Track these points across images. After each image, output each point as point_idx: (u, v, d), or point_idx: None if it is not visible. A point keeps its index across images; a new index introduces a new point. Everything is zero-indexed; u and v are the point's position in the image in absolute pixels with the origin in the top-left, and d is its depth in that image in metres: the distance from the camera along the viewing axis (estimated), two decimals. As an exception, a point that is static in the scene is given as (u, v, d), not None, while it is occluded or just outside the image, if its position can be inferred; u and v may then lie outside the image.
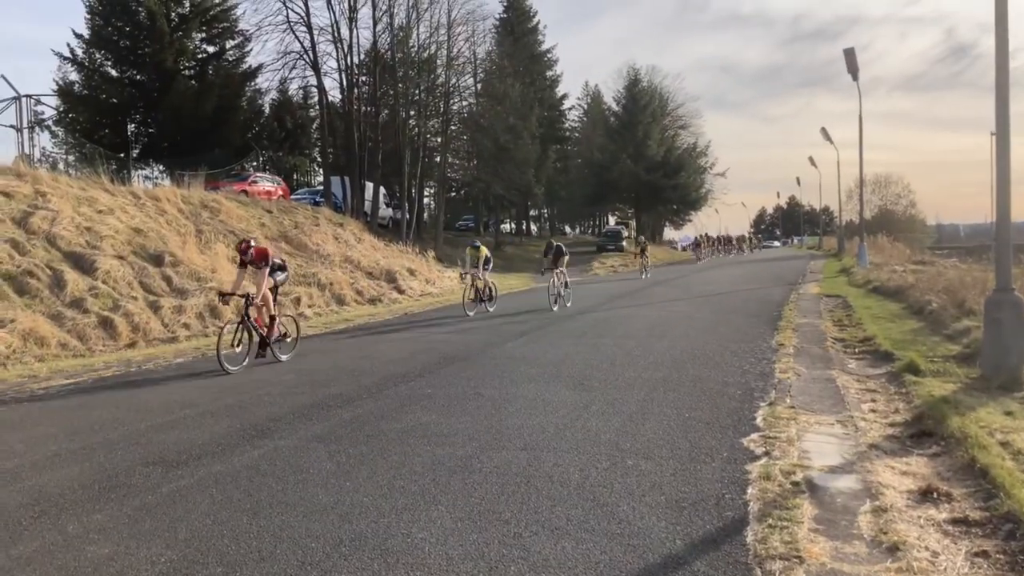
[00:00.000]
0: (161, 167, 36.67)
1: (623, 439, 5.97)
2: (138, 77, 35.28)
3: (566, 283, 17.52)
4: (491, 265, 17.53)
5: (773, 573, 3.58)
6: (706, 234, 54.65)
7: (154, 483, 5.11)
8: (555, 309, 16.48)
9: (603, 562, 3.72)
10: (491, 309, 16.80)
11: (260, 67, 37.25)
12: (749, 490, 4.72)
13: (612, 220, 68.64)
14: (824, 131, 40.91)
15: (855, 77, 27.01)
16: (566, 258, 18.01)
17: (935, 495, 4.63)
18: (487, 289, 16.90)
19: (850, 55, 26.62)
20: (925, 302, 13.45)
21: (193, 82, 36.01)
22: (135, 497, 4.82)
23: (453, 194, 52.79)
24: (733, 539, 3.99)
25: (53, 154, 37.85)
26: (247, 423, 6.80)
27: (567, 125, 62.11)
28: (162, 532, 4.22)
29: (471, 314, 15.88)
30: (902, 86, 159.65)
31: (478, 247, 17.24)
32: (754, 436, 5.97)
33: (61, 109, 35.98)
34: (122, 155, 33.96)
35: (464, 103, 42.62)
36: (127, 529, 4.28)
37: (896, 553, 3.81)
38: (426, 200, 49.68)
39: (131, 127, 36.56)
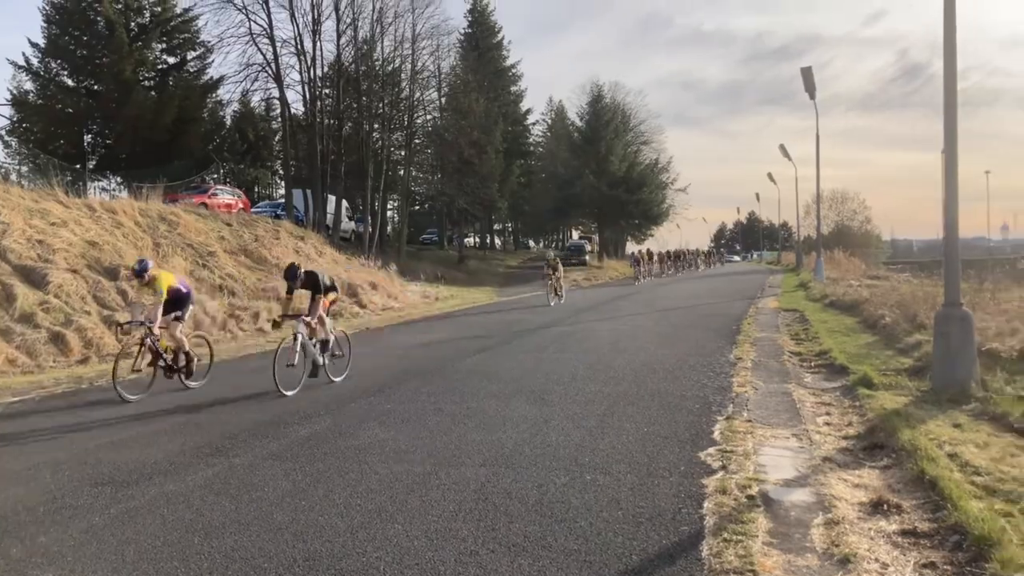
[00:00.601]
0: (118, 179, 36.03)
1: (582, 454, 5.98)
2: (95, 87, 34.69)
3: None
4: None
5: (727, 588, 3.61)
6: (647, 250, 48.40)
7: (102, 504, 4.98)
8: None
9: (559, 579, 3.72)
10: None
11: (222, 79, 36.92)
12: (705, 504, 4.75)
13: (575, 234, 69.01)
14: (783, 148, 41.68)
15: (812, 96, 27.60)
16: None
17: (886, 507, 4.71)
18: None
19: (807, 74, 27.20)
20: (879, 316, 13.72)
21: (153, 93, 35.51)
22: (82, 519, 4.70)
23: (417, 208, 52.67)
24: (689, 554, 4.02)
25: (5, 165, 37.03)
26: (202, 441, 6.68)
27: (531, 140, 62.49)
28: (109, 555, 4.11)
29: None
30: (858, 105, 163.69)
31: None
32: (711, 450, 6.02)
33: (15, 119, 35.22)
34: (78, 166, 33.30)
35: (428, 117, 42.65)
36: (72, 552, 4.16)
37: (847, 565, 3.86)
38: (389, 213, 49.51)
39: (88, 138, 35.92)
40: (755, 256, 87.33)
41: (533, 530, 4.37)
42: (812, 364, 10.41)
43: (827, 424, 7.02)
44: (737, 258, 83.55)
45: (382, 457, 5.99)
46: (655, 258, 45.61)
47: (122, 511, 4.83)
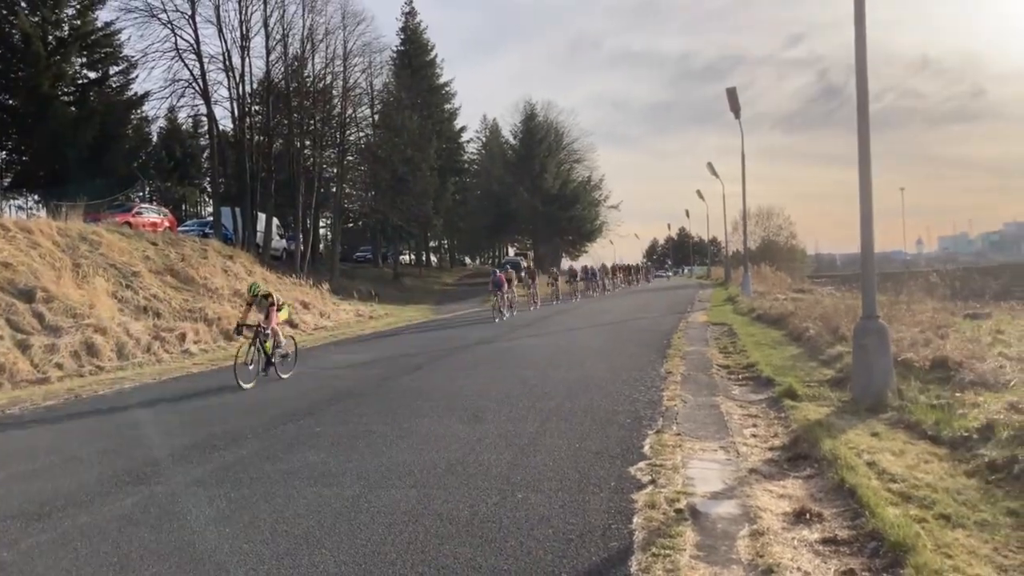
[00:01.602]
0: (36, 197, 34.67)
1: (514, 472, 5.97)
2: (11, 102, 33.30)
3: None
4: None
5: (654, 602, 3.64)
6: (584, 266, 42.88)
7: (11, 539, 4.74)
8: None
9: (488, 600, 3.69)
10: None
11: (147, 94, 35.81)
12: (635, 519, 4.79)
13: (511, 251, 69.33)
14: (710, 166, 42.76)
15: (737, 115, 28.43)
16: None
17: (808, 516, 4.83)
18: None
19: (732, 94, 28.02)
20: (803, 329, 14.15)
21: (72, 108, 34.27)
22: (-12, 555, 4.46)
23: (351, 225, 52.11)
24: (617, 569, 4.05)
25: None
26: (120, 469, 6.42)
27: (466, 157, 62.66)
28: (16, 593, 3.91)
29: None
30: (782, 123, 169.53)
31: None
32: (641, 464, 6.09)
33: (-78, 133, 33.55)
34: (-9, 185, 31.93)
35: (361, 134, 42.37)
36: (-24, 591, 3.94)
37: (771, 575, 3.94)
38: (322, 231, 48.86)
39: (2, 155, 34.46)
40: (686, 271, 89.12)
41: (463, 551, 4.33)
42: (740, 377, 10.65)
43: (754, 436, 7.18)
44: (669, 274, 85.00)
45: (311, 481, 5.86)
46: (578, 274, 39.84)
47: (32, 545, 4.61)
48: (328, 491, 5.57)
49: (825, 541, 4.46)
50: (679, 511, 4.94)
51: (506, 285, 21.74)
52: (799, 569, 4.05)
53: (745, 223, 36.55)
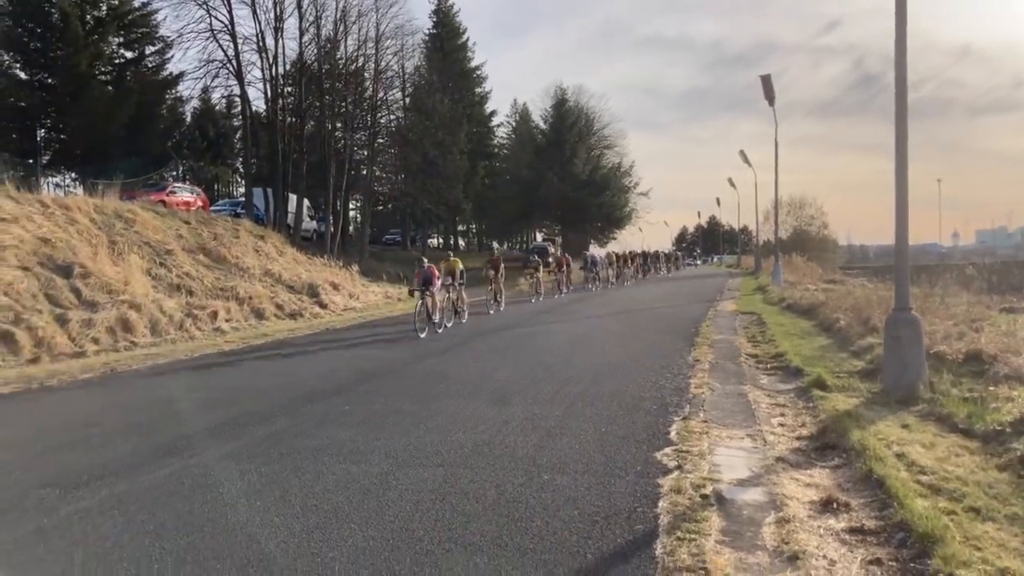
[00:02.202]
0: (73, 175, 35.26)
1: (540, 454, 6.01)
2: (49, 81, 33.85)
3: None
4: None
5: (679, 585, 3.66)
6: (608, 253, 38.59)
7: (50, 506, 4.88)
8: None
9: (514, 577, 3.74)
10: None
11: (182, 75, 36.19)
12: (660, 503, 4.81)
13: (539, 236, 69.23)
14: (742, 153, 42.34)
15: (771, 102, 28.06)
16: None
17: (835, 505, 4.82)
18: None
19: (767, 81, 27.65)
20: (834, 320, 14.00)
21: (109, 88, 34.77)
22: (29, 521, 4.60)
23: (380, 208, 52.30)
24: (642, 552, 4.07)
25: (-47, 159, 35.97)
26: (155, 441, 6.57)
27: (496, 141, 62.50)
28: (57, 557, 4.04)
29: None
30: (816, 111, 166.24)
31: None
32: (667, 450, 6.10)
33: (-37, 112, 34.23)
34: (30, 161, 32.49)
35: (392, 117, 42.43)
36: (19, 555, 4.08)
37: (796, 562, 3.95)
38: (352, 214, 49.14)
39: (41, 133, 35.05)
40: (715, 260, 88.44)
41: (490, 529, 4.38)
42: (768, 366, 10.58)
43: (781, 425, 7.15)
44: (698, 262, 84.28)
45: (339, 457, 5.95)
46: (613, 262, 36.20)
47: (71, 513, 4.74)
48: (356, 468, 5.65)
49: (852, 530, 4.44)
50: (705, 497, 4.94)
51: (437, 282, 15.68)
52: (825, 557, 4.05)
53: (777, 211, 36.03)
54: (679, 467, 5.62)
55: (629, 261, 40.04)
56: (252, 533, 4.35)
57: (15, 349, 11.92)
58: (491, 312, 20.22)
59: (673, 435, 6.58)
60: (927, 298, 13.82)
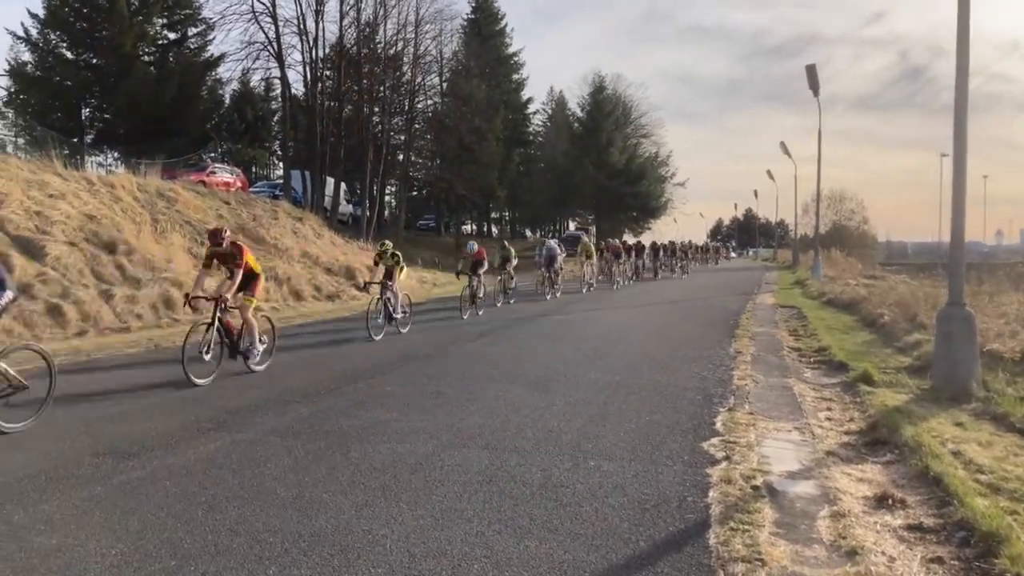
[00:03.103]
0: (116, 154, 35.82)
1: (585, 440, 5.97)
2: (95, 60, 34.41)
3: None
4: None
5: (736, 575, 3.59)
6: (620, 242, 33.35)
7: (104, 474, 4.95)
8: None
9: (567, 561, 3.70)
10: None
11: (223, 56, 36.49)
12: (711, 493, 4.74)
13: (572, 225, 68.94)
14: (783, 145, 41.73)
15: (816, 93, 27.56)
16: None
17: (890, 502, 4.71)
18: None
19: (811, 71, 27.15)
20: (878, 315, 13.75)
21: (152, 68, 35.25)
22: (84, 488, 4.66)
23: (415, 193, 52.46)
24: (695, 541, 4.01)
25: (2, 136, 36.77)
26: (201, 416, 6.63)
27: (531, 129, 62.19)
28: (112, 524, 4.08)
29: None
30: (857, 105, 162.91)
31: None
32: (714, 440, 6.01)
33: (12, 90, 34.92)
34: (75, 140, 33.05)
35: (429, 102, 42.48)
36: (75, 520, 4.13)
37: (855, 557, 3.86)
38: (387, 198, 49.32)
39: (85, 112, 35.65)
40: (750, 253, 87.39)
41: (539, 513, 4.35)
42: (811, 360, 10.42)
43: (828, 419, 7.02)
44: (733, 255, 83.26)
45: (384, 437, 5.96)
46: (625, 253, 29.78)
47: (124, 481, 4.80)
48: (402, 448, 5.66)
49: (910, 528, 4.34)
50: (755, 488, 4.86)
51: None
52: (884, 553, 3.95)
53: (818, 204, 35.43)
54: (727, 458, 5.53)
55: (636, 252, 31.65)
56: (302, 508, 4.36)
57: (62, 323, 12.14)
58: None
59: (719, 426, 6.49)
60: (975, 296, 13.47)
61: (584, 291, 23.44)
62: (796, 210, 54.22)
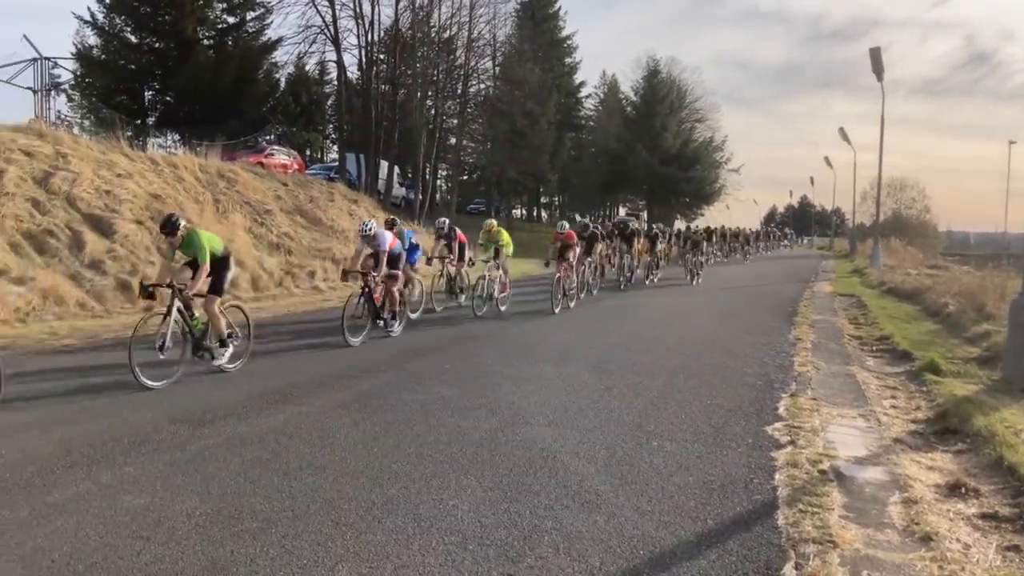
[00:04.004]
0: (176, 136, 36.66)
1: (646, 421, 5.97)
2: (157, 44, 35.13)
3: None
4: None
5: (807, 556, 3.58)
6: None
7: (182, 440, 5.13)
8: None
9: (636, 536, 3.73)
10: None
11: (280, 40, 36.93)
12: (777, 476, 4.72)
13: (622, 211, 68.38)
14: (842, 131, 40.74)
15: (880, 77, 26.79)
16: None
17: (963, 490, 4.62)
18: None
19: (876, 55, 26.40)
20: (942, 305, 13.40)
21: (212, 52, 35.87)
22: (164, 453, 4.85)
23: (466, 177, 52.62)
24: (764, 521, 4.00)
25: (68, 118, 37.87)
26: (267, 388, 6.81)
27: (583, 113, 61.73)
28: (195, 487, 4.24)
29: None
30: (920, 90, 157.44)
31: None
32: (777, 425, 5.97)
33: (78, 73, 35.92)
34: (139, 122, 33.92)
35: (482, 86, 42.44)
36: (160, 482, 4.30)
37: (929, 543, 3.81)
38: (438, 181, 49.57)
39: (148, 94, 36.50)
40: (805, 241, 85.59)
41: (605, 489, 4.38)
42: (873, 348, 10.22)
43: (894, 407, 6.90)
44: (786, 243, 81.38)
45: (447, 412, 6.05)
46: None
47: (201, 448, 4.97)
48: (465, 423, 5.74)
49: (984, 516, 4.26)
50: (823, 472, 4.82)
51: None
52: (958, 540, 3.89)
53: (879, 192, 34.35)
54: (792, 442, 5.49)
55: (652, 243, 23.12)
56: (374, 476, 4.47)
57: (132, 298, 12.53)
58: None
59: (782, 411, 6.43)
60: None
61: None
62: (854, 198, 52.99)
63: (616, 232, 21.52)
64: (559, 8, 54.89)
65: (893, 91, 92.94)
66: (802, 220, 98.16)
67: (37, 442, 5.01)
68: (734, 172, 63.26)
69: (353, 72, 35.99)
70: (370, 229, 10.30)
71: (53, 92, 34.68)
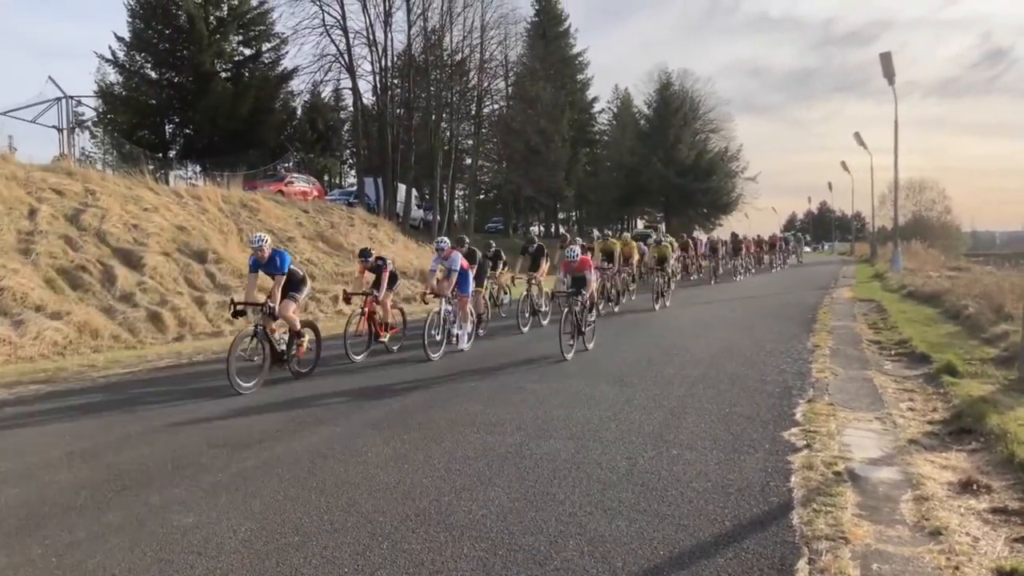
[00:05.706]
0: (197, 167, 37.46)
1: (666, 431, 6.16)
2: (176, 79, 36.01)
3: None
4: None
5: (820, 552, 3.76)
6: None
7: (222, 463, 5.39)
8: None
9: (657, 539, 3.93)
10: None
11: (296, 69, 37.73)
12: (792, 479, 4.89)
13: (640, 224, 68.46)
14: (858, 136, 40.66)
15: (891, 81, 26.87)
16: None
17: (975, 487, 4.77)
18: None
19: (886, 59, 26.51)
20: (961, 307, 13.44)
21: (230, 84, 36.68)
22: (207, 475, 5.11)
23: (482, 196, 53.08)
24: (780, 521, 4.18)
25: (92, 154, 38.79)
26: (301, 411, 7.09)
27: (597, 128, 62.11)
28: (238, 505, 4.49)
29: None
30: (936, 91, 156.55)
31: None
32: (794, 430, 6.13)
33: (101, 110, 36.86)
34: (160, 155, 34.71)
35: (496, 106, 42.99)
36: (205, 502, 4.56)
37: (938, 537, 3.97)
38: (456, 202, 50.00)
39: (168, 128, 37.37)
40: (826, 247, 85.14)
41: (627, 497, 4.58)
42: (892, 352, 10.32)
43: (911, 409, 7.03)
44: (807, 248, 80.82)
45: (474, 428, 6.28)
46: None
47: (241, 470, 5.23)
48: (492, 438, 5.96)
49: (995, 511, 4.41)
50: (837, 473, 4.99)
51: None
52: (967, 534, 4.05)
53: (896, 195, 34.33)
54: (808, 446, 5.65)
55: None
56: (406, 491, 4.70)
57: (162, 328, 12.94)
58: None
59: (799, 416, 6.60)
60: (1066, 284, 13.08)
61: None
62: (873, 202, 52.84)
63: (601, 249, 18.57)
64: (569, 26, 55.47)
65: (909, 93, 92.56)
66: (822, 226, 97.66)
67: (89, 469, 5.31)
68: (751, 181, 63.22)
69: (368, 98, 36.70)
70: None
71: (77, 129, 35.62)
